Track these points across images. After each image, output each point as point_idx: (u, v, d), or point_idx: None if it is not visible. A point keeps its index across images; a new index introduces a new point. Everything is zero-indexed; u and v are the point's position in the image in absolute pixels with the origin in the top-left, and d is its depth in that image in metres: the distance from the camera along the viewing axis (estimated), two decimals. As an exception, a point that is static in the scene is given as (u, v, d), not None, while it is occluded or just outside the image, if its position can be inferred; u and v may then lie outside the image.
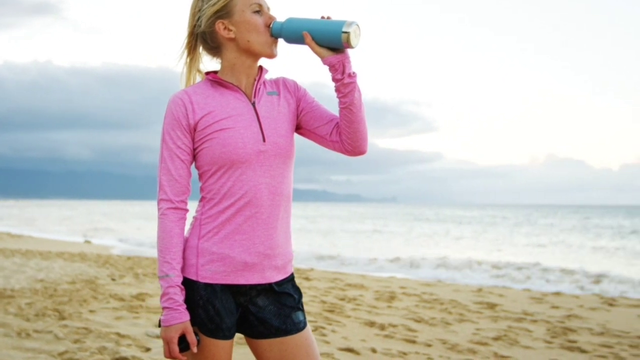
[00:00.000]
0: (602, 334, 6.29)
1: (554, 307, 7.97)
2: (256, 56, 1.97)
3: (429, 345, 5.50)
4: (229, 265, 1.90)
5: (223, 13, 1.93)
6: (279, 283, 1.98)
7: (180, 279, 1.88)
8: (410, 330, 6.14)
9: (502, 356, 5.19)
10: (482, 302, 8.10)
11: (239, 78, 1.98)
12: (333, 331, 5.90)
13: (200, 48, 2.02)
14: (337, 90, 1.92)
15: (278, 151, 1.94)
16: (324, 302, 7.63)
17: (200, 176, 1.97)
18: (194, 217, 1.98)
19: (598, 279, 12.49)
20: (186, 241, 1.94)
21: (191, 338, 1.86)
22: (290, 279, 2.01)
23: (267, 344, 1.97)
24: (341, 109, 1.94)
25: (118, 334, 5.20)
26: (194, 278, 1.90)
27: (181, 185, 1.92)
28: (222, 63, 2.00)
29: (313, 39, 1.88)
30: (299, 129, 2.05)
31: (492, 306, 7.81)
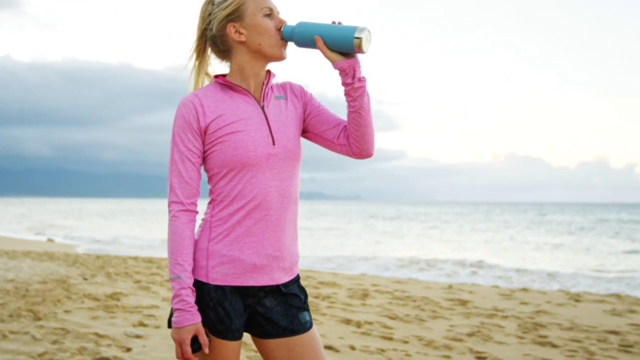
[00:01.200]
0: (570, 329, 6.47)
1: (523, 303, 8.16)
2: (266, 59, 2.00)
3: (406, 342, 5.60)
4: (239, 267, 1.93)
5: (235, 16, 1.95)
6: (286, 284, 2.01)
7: (192, 281, 1.91)
8: (386, 327, 6.24)
9: (478, 352, 5.31)
10: (453, 299, 8.25)
11: (248, 81, 2.00)
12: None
13: (209, 51, 2.04)
14: (347, 94, 1.96)
15: (287, 154, 1.98)
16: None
17: (210, 179, 1.99)
18: (203, 220, 2.00)
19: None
20: (196, 243, 1.96)
21: (203, 339, 1.89)
22: (296, 279, 2.05)
23: (274, 343, 2.00)
24: (350, 113, 1.98)
25: (97, 334, 5.17)
26: (204, 280, 1.93)
27: (192, 188, 1.94)
28: (231, 66, 2.02)
29: (325, 43, 1.92)
30: (305, 132, 2.08)
31: (463, 303, 7.96)
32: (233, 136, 1.92)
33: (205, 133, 1.94)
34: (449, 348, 5.41)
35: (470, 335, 6.00)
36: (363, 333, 5.92)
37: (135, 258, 13.09)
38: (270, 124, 1.98)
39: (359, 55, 1.95)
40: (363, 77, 1.95)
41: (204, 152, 1.96)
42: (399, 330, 6.14)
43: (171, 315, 1.94)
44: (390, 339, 5.71)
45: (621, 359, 5.22)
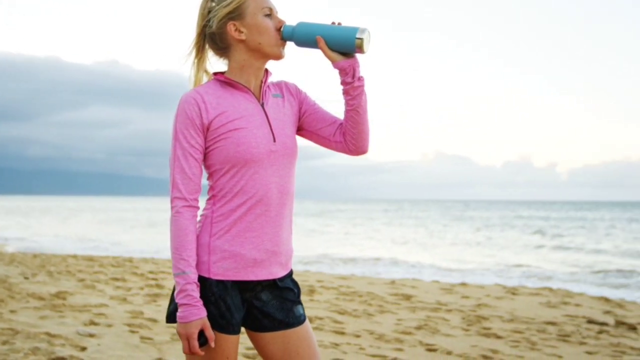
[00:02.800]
0: (511, 320, 6.77)
1: (464, 297, 8.46)
2: (265, 58, 2.04)
3: (358, 336, 5.74)
4: (239, 262, 1.97)
5: (235, 15, 1.99)
6: (282, 278, 2.07)
7: (197, 276, 1.93)
8: (336, 322, 6.36)
9: (427, 344, 5.50)
10: (397, 294, 8.47)
11: (247, 79, 2.04)
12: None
13: (207, 48, 2.07)
14: (346, 93, 2.02)
15: (286, 151, 2.03)
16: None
17: (211, 175, 2.01)
18: (203, 215, 2.02)
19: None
20: (197, 239, 1.99)
21: (209, 333, 1.92)
22: (290, 274, 2.12)
23: (270, 337, 2.05)
24: (348, 111, 2.04)
25: (48, 334, 5.08)
26: (205, 275, 1.96)
27: (195, 184, 1.97)
28: (230, 64, 2.05)
29: (326, 43, 1.98)
30: (300, 130, 2.14)
31: (407, 297, 8.18)
32: (236, 133, 1.96)
33: (207, 130, 1.97)
34: (400, 341, 5.58)
35: (419, 328, 6.19)
36: (315, 328, 6.02)
37: (75, 256, 12.79)
38: (271, 121, 2.03)
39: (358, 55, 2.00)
40: (362, 77, 2.02)
41: (206, 148, 1.98)
42: (350, 324, 6.28)
43: (173, 310, 1.97)
44: (343, 333, 5.83)
45: (561, 348, 5.51)
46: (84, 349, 4.76)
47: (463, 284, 10.08)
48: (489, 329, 6.27)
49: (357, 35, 1.94)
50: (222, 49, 2.05)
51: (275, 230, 2.02)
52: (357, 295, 8.25)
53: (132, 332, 5.38)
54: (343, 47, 1.97)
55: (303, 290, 8.49)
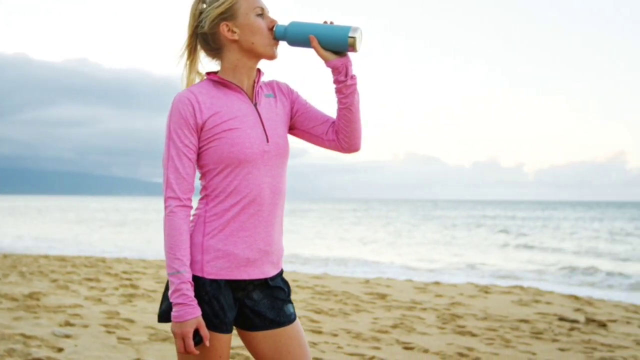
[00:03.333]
0: (485, 318, 6.88)
1: (438, 295, 8.56)
2: (258, 57, 2.05)
3: (335, 335, 5.78)
4: (233, 261, 1.98)
5: (227, 15, 2.00)
6: (273, 278, 2.09)
7: (191, 275, 1.94)
8: (313, 321, 6.39)
9: (404, 342, 5.56)
10: (372, 293, 8.53)
11: (240, 79, 2.05)
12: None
13: (199, 49, 2.08)
14: (339, 91, 2.04)
15: (279, 151, 2.05)
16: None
17: (204, 174, 2.02)
18: (196, 215, 2.02)
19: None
20: (190, 238, 1.99)
21: (204, 332, 1.92)
22: (281, 273, 2.14)
23: (261, 335, 2.07)
24: (341, 109, 2.07)
25: (23, 335, 5.02)
26: (199, 274, 1.97)
27: (188, 184, 1.97)
28: (222, 64, 2.06)
29: (319, 42, 2.00)
30: (292, 129, 2.16)
31: (382, 296, 8.25)
32: (230, 133, 1.97)
33: (201, 129, 1.97)
34: (377, 340, 5.63)
35: (395, 327, 6.26)
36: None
37: (47, 257, 12.61)
38: (264, 122, 2.04)
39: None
40: (354, 75, 2.04)
41: (199, 148, 1.99)
42: (327, 324, 6.32)
43: (166, 309, 1.98)
44: (320, 332, 5.87)
45: (534, 345, 5.62)
46: (60, 350, 4.72)
47: (436, 283, 10.19)
48: (463, 327, 6.36)
49: (350, 34, 1.96)
50: (215, 50, 2.06)
51: (268, 229, 2.04)
52: (333, 295, 8.29)
53: (109, 332, 5.35)
54: (336, 46, 1.99)
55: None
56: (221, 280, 1.99)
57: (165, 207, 1.97)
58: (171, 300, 1.94)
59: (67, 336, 5.14)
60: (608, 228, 36.15)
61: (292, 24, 2.03)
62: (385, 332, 6.00)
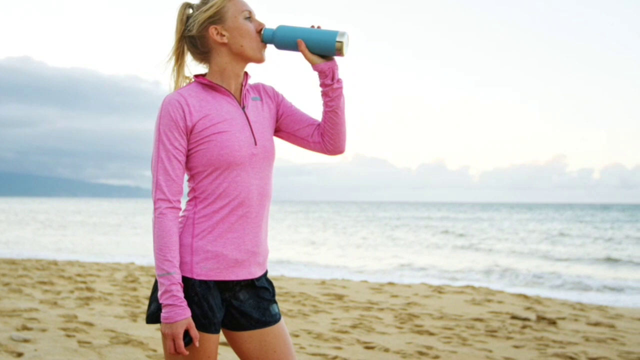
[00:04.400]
0: (441, 318, 7.04)
1: (393, 296, 8.71)
2: (247, 61, 2.08)
3: (297, 336, 5.84)
4: (222, 262, 2.02)
5: (216, 19, 2.03)
6: (258, 278, 2.13)
7: (180, 277, 1.96)
8: (273, 322, 6.43)
9: (365, 342, 5.66)
10: (329, 294, 8.62)
11: (228, 83, 2.08)
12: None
13: (187, 53, 2.10)
14: (325, 94, 2.09)
15: (266, 154, 2.09)
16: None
17: (193, 177, 2.04)
18: (185, 216, 2.04)
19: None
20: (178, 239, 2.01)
21: (194, 333, 1.95)
22: (265, 273, 2.18)
23: (247, 335, 2.10)
24: (327, 112, 2.11)
25: (-20, 340, 4.92)
26: (188, 275, 1.99)
27: (178, 186, 1.99)
28: (211, 67, 2.08)
29: (307, 46, 2.04)
30: (277, 132, 2.19)
31: (340, 297, 8.34)
32: (220, 136, 1.99)
33: (191, 132, 1.99)
34: (338, 340, 5.72)
35: (354, 327, 6.35)
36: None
37: (-8, 260, 12.28)
38: (252, 125, 2.07)
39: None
40: (340, 79, 2.09)
41: (188, 150, 2.01)
42: (287, 324, 6.36)
43: (155, 310, 2.00)
44: (281, 333, 5.91)
45: (490, 343, 5.80)
46: (20, 354, 4.64)
47: (391, 284, 10.35)
48: (421, 326, 6.50)
49: (337, 39, 2.01)
50: (203, 53, 2.08)
51: (255, 231, 2.07)
52: (291, 296, 8.34)
53: (69, 336, 5.28)
54: (323, 50, 2.03)
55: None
56: (210, 281, 2.02)
57: (155, 209, 1.98)
58: (161, 302, 1.95)
59: (26, 340, 5.06)
60: (547, 229, 37.25)
61: (280, 28, 2.06)
62: (346, 332, 6.09)
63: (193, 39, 2.07)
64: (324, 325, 6.38)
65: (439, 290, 9.46)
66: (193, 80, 2.11)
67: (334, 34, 2.02)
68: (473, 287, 10.09)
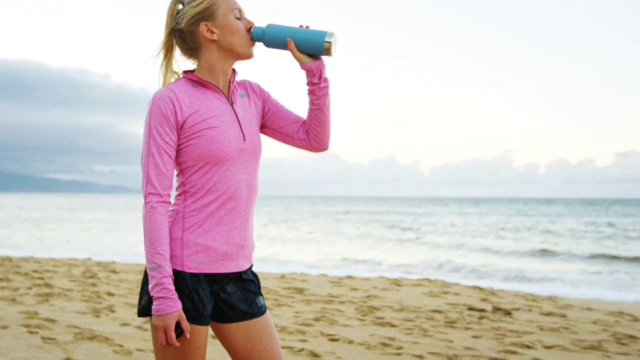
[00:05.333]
0: (401, 310, 7.20)
1: (353, 289, 8.84)
2: (236, 58, 2.13)
3: (262, 329, 5.90)
4: (212, 255, 2.06)
5: (206, 15, 2.07)
6: (245, 271, 2.18)
7: (171, 270, 2.00)
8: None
9: (329, 334, 5.76)
10: (290, 288, 8.70)
11: (217, 79, 2.12)
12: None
13: (176, 49, 2.14)
14: (312, 93, 2.15)
15: (254, 150, 2.14)
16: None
17: (182, 171, 2.08)
18: (174, 210, 2.08)
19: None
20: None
21: (185, 325, 1.99)
22: (251, 266, 2.24)
23: (234, 327, 2.16)
24: (313, 110, 2.17)
25: (-59, 338, 4.84)
26: (179, 268, 2.04)
27: (168, 180, 2.03)
28: (199, 63, 2.12)
29: (295, 45, 2.09)
30: (263, 128, 2.25)
31: (300, 291, 8.43)
32: (210, 131, 2.04)
33: (181, 127, 2.03)
34: (302, 332, 5.80)
35: (317, 320, 6.45)
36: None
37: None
38: (240, 121, 2.13)
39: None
40: (327, 78, 2.15)
41: (178, 145, 2.05)
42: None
43: (146, 303, 2.03)
44: (246, 327, 5.97)
45: (450, 334, 5.97)
46: (-16, 352, 4.59)
47: (349, 277, 10.49)
48: (382, 318, 6.64)
49: (326, 39, 2.07)
50: (193, 49, 2.12)
51: (243, 224, 2.13)
52: (251, 290, 8.38)
53: (31, 333, 5.22)
54: (312, 49, 2.09)
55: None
56: (200, 274, 2.06)
57: (146, 203, 2.02)
58: (152, 294, 1.99)
59: (-12, 338, 4.99)
60: (491, 223, 38.16)
61: (270, 27, 2.11)
62: (309, 325, 6.18)
63: (183, 34, 2.10)
64: (287, 319, 6.46)
65: (397, 283, 9.65)
66: (181, 76, 2.15)
67: (323, 34, 2.08)
68: (429, 280, 10.31)
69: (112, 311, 6.42)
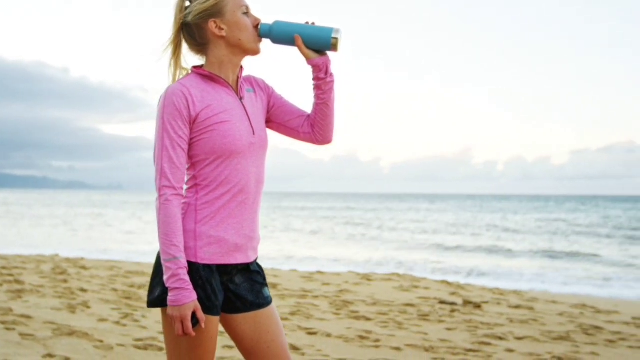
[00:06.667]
0: (374, 304, 7.33)
1: (325, 284, 8.94)
2: (244, 54, 2.19)
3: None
4: (224, 247, 2.12)
5: (214, 11, 2.12)
6: (252, 262, 2.25)
7: (186, 261, 2.05)
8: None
9: (306, 328, 5.84)
10: (262, 283, 8.75)
11: (226, 74, 2.18)
12: (144, 317, 6.03)
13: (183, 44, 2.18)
14: (318, 87, 2.22)
15: (262, 144, 2.21)
16: (115, 290, 7.62)
17: (194, 165, 2.12)
18: (186, 203, 2.12)
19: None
20: None
21: (200, 315, 2.04)
22: (256, 258, 2.30)
23: (242, 317, 2.22)
24: (318, 104, 2.25)
25: None
26: (192, 260, 2.08)
27: (182, 173, 2.08)
28: (208, 59, 2.17)
29: (303, 41, 2.16)
30: (268, 122, 2.31)
31: (274, 285, 8.49)
32: (222, 125, 2.10)
33: (194, 122, 2.08)
34: (280, 326, 5.87)
35: (293, 314, 6.53)
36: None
37: None
38: (249, 115, 2.19)
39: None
40: (333, 73, 2.23)
41: (190, 139, 2.10)
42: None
43: (161, 295, 2.08)
44: (224, 321, 6.01)
45: (424, 327, 6.12)
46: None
47: (320, 272, 10.59)
48: (357, 312, 6.75)
49: (333, 35, 2.14)
50: (201, 45, 2.17)
51: (252, 217, 2.19)
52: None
53: (8, 329, 5.18)
54: (319, 45, 2.16)
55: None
56: (213, 265, 2.12)
57: (160, 196, 2.06)
58: (168, 285, 2.03)
59: (-35, 335, 4.93)
60: (452, 220, 38.78)
61: (277, 23, 2.18)
62: (286, 319, 6.25)
63: (191, 30, 2.15)
64: (263, 313, 6.52)
65: (367, 278, 9.78)
66: (190, 71, 2.20)
67: (330, 30, 2.15)
68: (398, 275, 10.49)
69: (88, 307, 6.39)
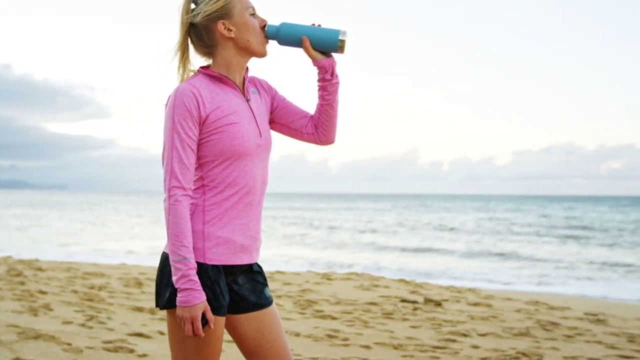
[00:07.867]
0: (338, 303, 7.41)
1: (286, 283, 8.98)
2: (251, 55, 2.21)
3: (207, 324, 5.94)
4: (231, 247, 2.14)
5: (223, 13, 2.14)
6: (254, 263, 2.27)
7: (195, 262, 2.06)
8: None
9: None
10: (224, 284, 8.73)
11: (234, 76, 2.19)
12: (109, 318, 5.97)
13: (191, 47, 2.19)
14: (324, 89, 2.26)
15: (268, 145, 2.24)
16: (75, 292, 7.49)
17: (202, 165, 2.13)
18: (193, 204, 2.13)
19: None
20: None
21: (210, 315, 2.06)
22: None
23: (244, 318, 2.24)
24: (323, 105, 2.28)
25: None
26: (201, 260, 2.10)
27: (191, 174, 2.08)
28: (215, 61, 2.19)
29: (310, 43, 2.19)
30: (271, 123, 2.34)
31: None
32: (231, 127, 2.11)
33: (204, 123, 2.10)
34: (248, 326, 5.89)
35: (259, 314, 6.55)
36: (161, 319, 6.10)
37: None
38: (256, 117, 2.21)
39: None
40: (337, 75, 2.26)
41: (199, 140, 2.11)
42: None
43: (170, 296, 2.08)
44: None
45: (390, 325, 6.23)
46: None
47: (279, 272, 10.61)
48: (322, 311, 6.82)
49: (340, 37, 2.18)
50: (209, 47, 2.18)
51: (257, 218, 2.22)
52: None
53: (-29, 333, 5.06)
54: (326, 47, 2.19)
55: (130, 283, 8.40)
56: (220, 265, 2.14)
57: (170, 196, 2.06)
58: (177, 286, 2.04)
59: None
60: (399, 220, 39.37)
61: (284, 25, 2.20)
62: (253, 319, 6.27)
63: (199, 32, 2.16)
64: (229, 314, 6.52)
65: (327, 277, 9.86)
66: (197, 71, 2.20)
67: (337, 32, 2.18)
68: (357, 274, 10.60)
69: (50, 309, 6.27)
